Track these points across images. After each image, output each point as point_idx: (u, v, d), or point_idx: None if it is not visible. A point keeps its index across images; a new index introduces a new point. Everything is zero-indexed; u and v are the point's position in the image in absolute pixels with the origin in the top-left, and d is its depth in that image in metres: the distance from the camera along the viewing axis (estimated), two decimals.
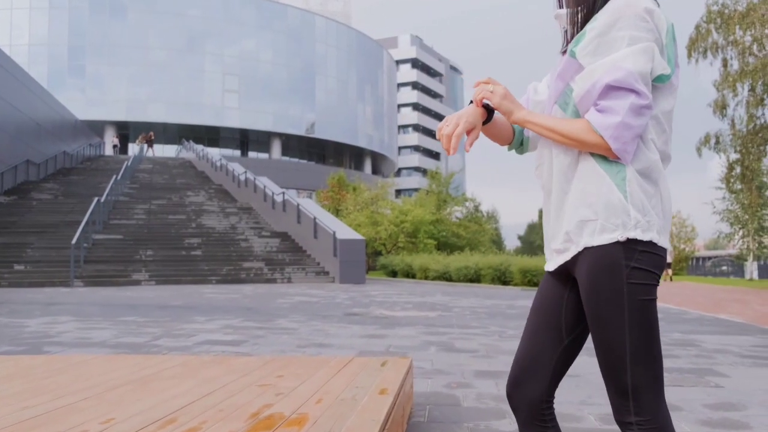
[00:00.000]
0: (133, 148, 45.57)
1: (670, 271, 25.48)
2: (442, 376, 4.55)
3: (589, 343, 1.57)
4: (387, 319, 8.77)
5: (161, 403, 2.43)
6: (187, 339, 6.53)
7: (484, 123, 1.64)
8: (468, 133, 1.58)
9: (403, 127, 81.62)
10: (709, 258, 60.18)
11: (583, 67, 1.47)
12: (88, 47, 47.72)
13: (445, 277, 23.47)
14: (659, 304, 1.49)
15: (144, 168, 33.38)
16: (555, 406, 1.64)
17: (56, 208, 22.96)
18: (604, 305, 1.44)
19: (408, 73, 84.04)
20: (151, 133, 42.53)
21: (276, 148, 53.86)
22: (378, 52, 63.90)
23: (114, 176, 24.88)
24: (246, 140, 53.99)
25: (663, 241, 1.45)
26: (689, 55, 21.72)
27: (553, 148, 1.55)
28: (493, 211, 57.71)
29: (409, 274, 26.11)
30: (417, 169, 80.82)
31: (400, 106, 78.85)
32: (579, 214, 1.47)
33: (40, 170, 28.59)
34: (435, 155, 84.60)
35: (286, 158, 54.89)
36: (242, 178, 27.88)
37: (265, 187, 25.21)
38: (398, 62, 79.05)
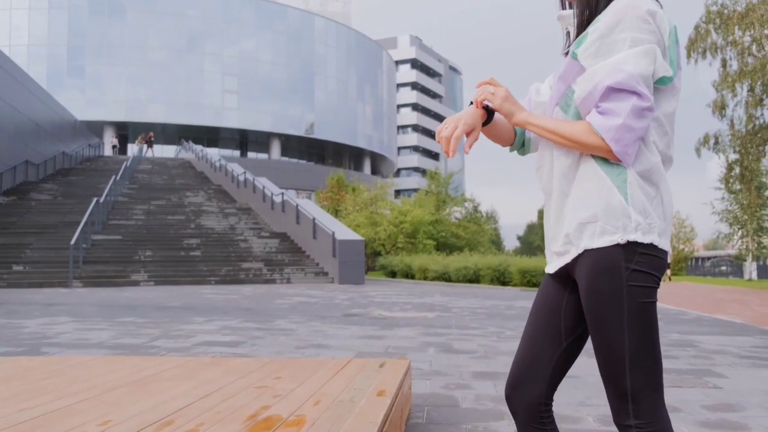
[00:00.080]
0: (132, 149, 45.56)
1: (668, 272, 25.52)
2: (440, 377, 4.55)
3: (588, 344, 1.56)
4: (386, 320, 8.76)
5: (159, 404, 2.43)
6: (185, 340, 6.52)
7: (485, 124, 1.64)
8: (467, 135, 1.58)
9: (402, 128, 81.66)
10: (709, 258, 60.22)
11: (585, 68, 1.46)
12: (87, 47, 47.72)
13: (444, 277, 23.47)
14: (658, 304, 1.48)
15: (143, 168, 33.37)
16: (554, 407, 1.64)
17: (55, 209, 22.95)
18: (603, 307, 1.43)
19: (407, 74, 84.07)
20: (151, 134, 42.52)
21: (275, 148, 53.86)
22: (377, 53, 63.91)
23: (113, 177, 24.86)
24: (245, 141, 53.99)
25: (664, 244, 1.44)
26: (688, 56, 21.73)
27: (554, 149, 1.54)
28: (492, 211, 57.66)
29: (409, 275, 26.12)
30: (416, 169, 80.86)
31: (399, 106, 78.89)
32: (579, 217, 1.47)
33: (39, 171, 28.57)
34: (434, 155, 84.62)
35: (286, 159, 54.90)
36: (241, 178, 27.88)
37: (264, 187, 25.21)
38: (398, 63, 79.09)
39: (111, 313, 9.52)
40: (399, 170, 76.80)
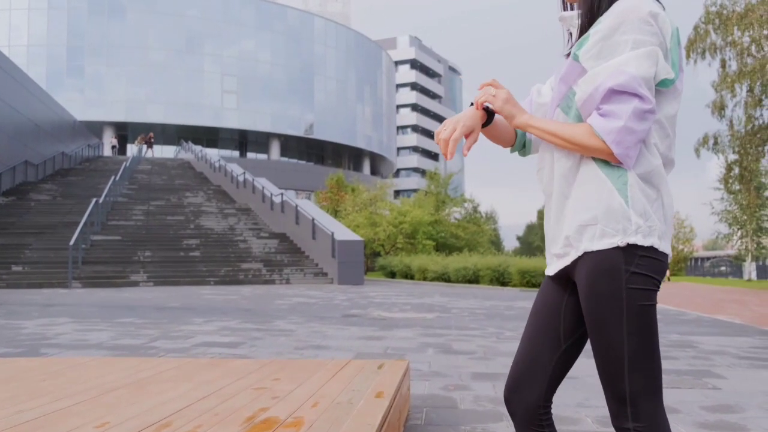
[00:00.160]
0: (131, 149, 45.56)
1: (668, 272, 25.52)
2: (439, 378, 4.54)
3: (587, 346, 1.56)
4: (385, 321, 8.76)
5: (157, 406, 2.43)
6: (184, 341, 6.52)
7: (485, 125, 1.63)
8: (466, 137, 1.57)
9: (401, 128, 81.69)
10: (708, 258, 60.27)
11: (586, 70, 1.46)
12: (86, 48, 47.71)
13: (444, 278, 23.47)
14: (658, 305, 1.48)
15: (142, 169, 33.36)
16: (552, 408, 1.63)
17: (54, 209, 22.94)
18: (602, 310, 1.42)
19: (407, 74, 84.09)
20: (151, 134, 42.53)
21: (275, 148, 53.86)
22: (377, 53, 63.92)
23: (112, 177, 24.86)
24: (245, 141, 53.99)
25: (664, 247, 1.44)
26: (687, 56, 21.74)
27: (554, 151, 1.53)
28: (491, 211, 57.77)
29: (408, 275, 26.12)
30: (416, 169, 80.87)
31: (398, 106, 78.92)
32: (579, 219, 1.46)
33: (38, 171, 28.57)
34: (434, 156, 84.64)
35: (285, 159, 54.90)
36: (241, 179, 27.87)
37: (263, 187, 25.20)
38: (397, 63, 79.11)
39: (110, 313, 9.52)
40: (398, 171, 76.82)
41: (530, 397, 1.57)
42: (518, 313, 10.45)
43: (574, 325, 1.57)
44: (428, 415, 3.45)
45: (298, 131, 53.87)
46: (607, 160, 1.43)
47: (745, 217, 31.78)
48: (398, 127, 77.69)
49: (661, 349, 6.04)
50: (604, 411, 3.43)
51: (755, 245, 33.15)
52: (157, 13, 48.92)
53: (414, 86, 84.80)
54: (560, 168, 1.51)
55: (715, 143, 22.98)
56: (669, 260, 1.48)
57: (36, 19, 47.10)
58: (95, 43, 47.77)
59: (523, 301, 13.42)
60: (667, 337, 7.18)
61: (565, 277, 1.56)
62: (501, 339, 6.88)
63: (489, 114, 1.62)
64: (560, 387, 1.60)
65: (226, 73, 50.64)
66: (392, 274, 27.55)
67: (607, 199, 1.42)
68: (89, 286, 16.78)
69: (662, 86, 1.45)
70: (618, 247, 1.41)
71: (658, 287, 1.45)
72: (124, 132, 49.95)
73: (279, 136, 53.37)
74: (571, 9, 1.62)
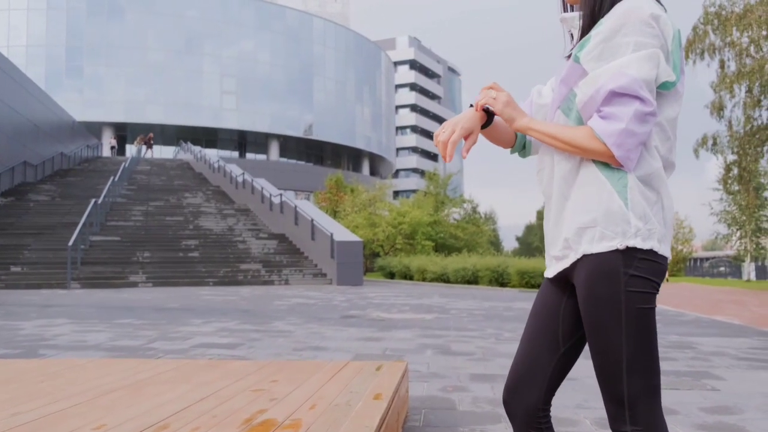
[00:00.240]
0: (130, 150, 45.56)
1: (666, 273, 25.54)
2: (438, 379, 4.54)
3: (586, 347, 1.56)
4: (384, 322, 8.76)
5: (154, 408, 2.42)
6: (182, 342, 6.51)
7: (484, 126, 1.62)
8: (465, 138, 1.56)
9: (401, 129, 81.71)
10: (707, 259, 60.33)
11: (587, 72, 1.45)
12: (85, 48, 47.70)
13: (443, 278, 23.47)
14: (656, 306, 1.47)
15: (141, 169, 33.35)
16: (551, 409, 1.63)
17: (53, 210, 22.92)
18: (601, 313, 1.42)
19: (406, 75, 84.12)
20: (150, 135, 42.53)
21: (274, 149, 53.86)
22: (376, 54, 63.94)
23: (111, 178, 24.85)
24: (244, 141, 53.99)
25: (664, 250, 1.43)
26: (686, 57, 21.76)
27: (554, 153, 1.53)
28: (491, 212, 57.73)
29: (407, 276, 26.12)
30: (415, 170, 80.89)
31: (398, 107, 78.93)
32: (578, 221, 1.45)
33: (37, 172, 28.55)
34: (433, 156, 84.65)
35: (284, 160, 54.89)
36: (240, 179, 27.87)
37: (262, 188, 25.20)
38: (396, 63, 79.13)
39: (109, 314, 9.51)
40: (397, 171, 76.83)
41: (529, 400, 1.57)
42: (517, 314, 10.45)
43: (572, 327, 1.56)
44: (426, 417, 3.45)
45: (298, 132, 53.88)
46: (608, 163, 1.43)
47: (744, 218, 31.82)
48: (397, 128, 77.71)
49: (660, 350, 6.04)
50: (602, 412, 3.42)
51: (754, 246, 33.18)
52: (156, 14, 48.92)
53: (413, 87, 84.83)
54: (560, 170, 1.51)
55: (714, 144, 23.00)
56: (668, 263, 1.47)
57: (35, 20, 47.09)
58: (94, 44, 47.76)
59: (522, 302, 13.42)
60: (666, 338, 7.18)
61: (563, 279, 1.55)
62: (500, 340, 6.87)
63: (489, 115, 1.61)
64: (559, 388, 1.60)
65: (225, 74, 50.66)
66: (391, 275, 27.55)
67: (607, 201, 1.42)
68: (88, 286, 16.76)
69: (663, 89, 1.44)
70: (617, 250, 1.40)
71: (658, 290, 1.44)
72: (123, 132, 49.96)
73: (278, 136, 53.37)
74: (572, 10, 1.61)
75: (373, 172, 64.21)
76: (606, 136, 1.39)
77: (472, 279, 22.13)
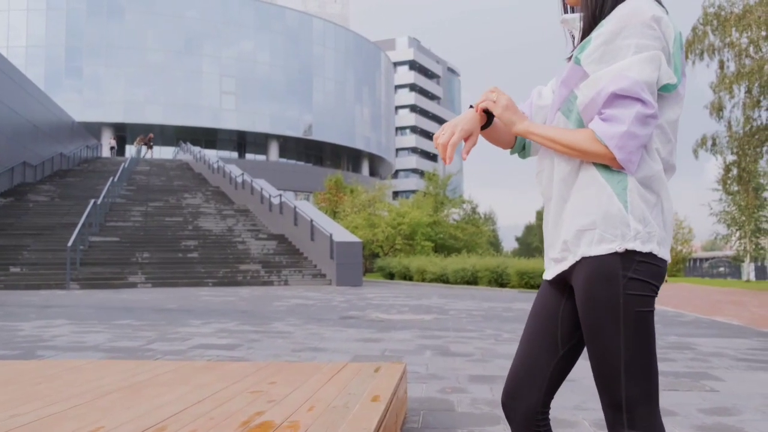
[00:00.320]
0: (130, 150, 45.54)
1: None
2: (436, 380, 4.54)
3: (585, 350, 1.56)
4: (383, 323, 8.76)
5: (152, 410, 2.42)
6: (181, 343, 6.51)
7: (484, 127, 1.62)
8: (465, 140, 1.56)
9: (400, 129, 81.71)
10: (707, 259, 60.34)
11: (588, 74, 1.44)
12: (85, 49, 47.69)
13: (443, 279, 23.47)
14: (656, 306, 1.47)
15: (141, 170, 33.35)
16: (550, 410, 1.62)
17: (53, 210, 22.92)
18: (599, 315, 1.41)
19: (405, 75, 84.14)
20: (150, 135, 42.52)
21: (273, 149, 53.84)
22: (375, 54, 63.94)
23: (111, 178, 24.85)
24: (243, 142, 53.98)
25: (663, 253, 1.42)
26: (686, 57, 21.76)
27: (554, 156, 1.52)
28: (490, 212, 57.84)
29: (407, 277, 26.11)
30: (414, 170, 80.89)
31: (397, 107, 78.94)
32: (578, 223, 1.45)
33: (36, 172, 28.54)
34: (432, 157, 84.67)
35: (284, 160, 54.88)
36: (239, 180, 27.86)
37: (262, 189, 25.19)
38: (396, 64, 79.15)
39: (108, 315, 9.50)
40: (397, 172, 76.84)
41: (528, 403, 1.56)
42: (516, 314, 10.44)
43: (571, 330, 1.56)
44: (425, 418, 3.45)
45: (297, 132, 53.87)
46: (608, 165, 1.42)
47: (744, 218, 31.85)
48: (397, 128, 77.71)
49: (659, 350, 6.04)
50: (601, 414, 3.42)
51: (753, 246, 33.21)
52: (156, 14, 48.91)
53: (413, 87, 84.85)
54: (560, 172, 1.50)
55: (714, 144, 23.00)
56: (667, 266, 1.47)
57: (34, 20, 47.07)
58: (94, 44, 47.75)
59: (521, 303, 13.41)
60: (665, 338, 7.18)
61: (562, 281, 1.55)
62: (499, 341, 6.87)
63: (488, 116, 1.61)
64: (558, 389, 1.60)
65: (224, 74, 50.64)
66: (391, 276, 27.55)
67: (606, 204, 1.41)
68: (87, 287, 16.75)
69: (664, 91, 1.43)
70: (616, 253, 1.40)
71: (656, 293, 1.44)
72: (123, 133, 49.95)
73: (278, 137, 53.36)
74: (573, 12, 1.61)
75: (373, 172, 64.21)
76: (608, 138, 1.38)
77: (471, 279, 22.13)
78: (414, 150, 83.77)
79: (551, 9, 1.65)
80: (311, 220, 20.80)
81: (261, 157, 53.94)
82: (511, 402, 1.59)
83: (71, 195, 25.72)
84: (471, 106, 1.60)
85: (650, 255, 1.40)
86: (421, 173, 72.69)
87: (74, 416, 2.32)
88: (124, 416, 2.32)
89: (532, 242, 64.62)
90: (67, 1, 47.37)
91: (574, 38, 1.59)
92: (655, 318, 1.43)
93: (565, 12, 1.63)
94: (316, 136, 54.91)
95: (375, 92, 63.12)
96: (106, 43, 47.84)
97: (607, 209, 1.41)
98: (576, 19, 1.57)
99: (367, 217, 31.94)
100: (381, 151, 63.46)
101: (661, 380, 4.42)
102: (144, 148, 40.69)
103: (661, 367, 4.98)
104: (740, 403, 3.90)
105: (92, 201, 20.44)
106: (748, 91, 20.81)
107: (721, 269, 48.86)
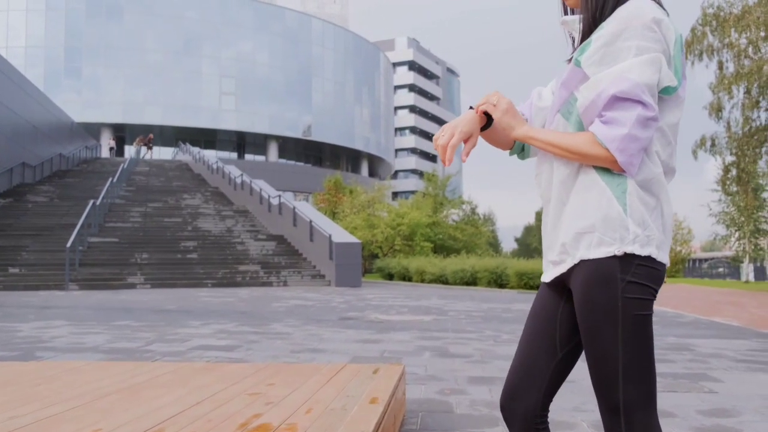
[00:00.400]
0: (129, 151, 45.52)
1: None
2: (435, 382, 4.54)
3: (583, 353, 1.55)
4: (382, 324, 8.75)
5: (150, 412, 2.42)
6: (180, 344, 6.50)
7: (484, 128, 1.62)
8: (464, 142, 1.55)
9: (399, 130, 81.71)
10: (706, 260, 60.38)
11: (588, 76, 1.43)
12: (84, 49, 47.68)
13: (442, 280, 23.46)
14: (655, 307, 1.47)
15: (140, 170, 33.34)
16: (548, 413, 1.62)
17: (52, 211, 22.91)
18: (597, 318, 1.41)
19: (405, 76, 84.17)
20: (150, 136, 42.51)
21: (273, 150, 53.84)
22: (375, 55, 63.95)
23: (110, 179, 24.84)
24: (243, 143, 53.99)
25: (662, 256, 1.42)
26: (685, 58, 21.78)
27: (553, 158, 1.52)
28: (489, 213, 57.85)
29: (406, 277, 26.10)
30: (414, 171, 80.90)
31: (396, 108, 78.95)
32: (576, 226, 1.44)
33: (35, 172, 28.53)
34: (432, 158, 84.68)
35: (283, 161, 54.89)
36: (238, 180, 27.85)
37: (261, 189, 25.19)
38: (395, 64, 79.19)
39: (107, 316, 9.50)
40: (396, 172, 76.84)
41: (527, 405, 1.56)
42: (516, 315, 10.44)
43: (570, 332, 1.55)
44: (424, 420, 3.44)
45: (296, 133, 53.87)
46: (607, 168, 1.42)
47: (743, 219, 31.86)
48: (396, 129, 77.72)
49: (658, 351, 6.04)
50: (599, 415, 3.42)
51: (753, 247, 33.22)
52: (155, 15, 48.91)
53: (412, 88, 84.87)
54: (559, 174, 1.50)
55: (713, 145, 22.99)
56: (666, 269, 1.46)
57: (34, 21, 47.06)
58: (93, 45, 47.74)
59: (520, 304, 13.41)
60: (664, 339, 7.18)
61: (561, 284, 1.54)
62: (498, 342, 6.87)
63: (488, 117, 1.61)
64: (557, 391, 1.60)
65: (224, 75, 50.65)
66: (390, 276, 27.54)
67: (606, 207, 1.40)
68: (86, 288, 16.74)
69: (665, 94, 1.43)
70: (615, 256, 1.39)
71: (655, 297, 1.43)
72: (122, 133, 49.93)
73: (277, 137, 53.36)
74: (572, 13, 1.60)
75: (372, 173, 64.22)
76: (608, 141, 1.38)
77: (470, 280, 22.13)
78: (413, 150, 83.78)
79: (551, 9, 1.64)
80: (310, 221, 20.80)
81: (260, 158, 53.94)
82: (510, 403, 1.58)
83: (70, 196, 25.71)
84: (471, 108, 1.60)
85: (649, 258, 1.40)
86: (420, 174, 72.66)
87: (73, 418, 2.32)
88: (122, 418, 2.32)
89: (531, 243, 64.63)
90: (66, 1, 47.35)
91: (574, 40, 1.59)
92: (654, 319, 1.43)
93: (565, 14, 1.62)
94: (316, 136, 54.91)
95: (374, 93, 63.14)
96: (106, 44, 47.83)
97: (607, 212, 1.40)
98: (576, 21, 1.56)
99: (366, 217, 31.93)
100: (380, 152, 63.46)
101: (660, 381, 4.42)
102: (143, 149, 40.67)
103: (660, 368, 4.98)
104: (739, 404, 3.90)
105: (91, 202, 20.43)
106: (747, 91, 20.81)
107: (721, 270, 48.91)
